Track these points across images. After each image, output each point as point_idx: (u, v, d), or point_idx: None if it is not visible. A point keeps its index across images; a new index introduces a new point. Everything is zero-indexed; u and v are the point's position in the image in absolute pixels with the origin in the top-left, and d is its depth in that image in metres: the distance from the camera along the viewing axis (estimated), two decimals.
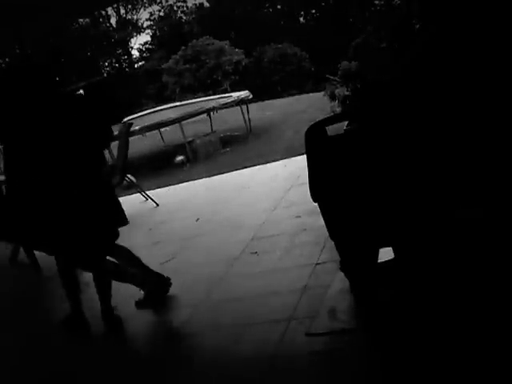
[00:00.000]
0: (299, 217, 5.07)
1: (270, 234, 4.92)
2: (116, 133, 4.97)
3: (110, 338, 3.85)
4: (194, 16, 30.92)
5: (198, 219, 5.28)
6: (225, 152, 10.72)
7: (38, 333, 4.34)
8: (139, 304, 4.03)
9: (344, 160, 3.09)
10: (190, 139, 10.93)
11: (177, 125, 10.85)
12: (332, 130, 3.13)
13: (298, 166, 6.56)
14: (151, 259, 4.93)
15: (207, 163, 9.81)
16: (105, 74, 29.23)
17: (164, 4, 31.60)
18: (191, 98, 15.79)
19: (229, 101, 11.60)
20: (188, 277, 4.28)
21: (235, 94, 12.15)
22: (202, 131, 12.11)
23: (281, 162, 7.94)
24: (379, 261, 3.33)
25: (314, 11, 29.31)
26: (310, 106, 13.21)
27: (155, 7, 31.65)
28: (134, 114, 13.70)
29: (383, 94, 3.23)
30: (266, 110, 14.74)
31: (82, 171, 3.56)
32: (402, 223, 3.05)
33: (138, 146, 11.90)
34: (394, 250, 3.25)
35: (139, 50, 32.13)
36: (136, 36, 32.09)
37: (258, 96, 15.80)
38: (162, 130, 11.45)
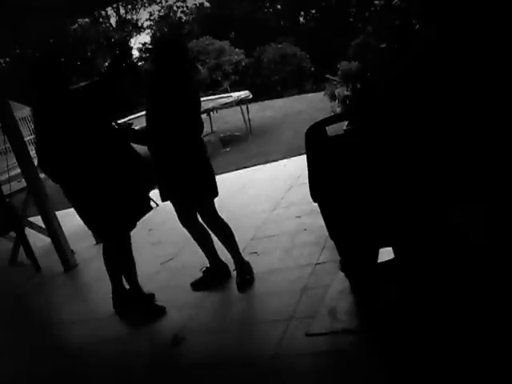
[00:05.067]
0: (299, 217, 5.06)
1: (270, 234, 4.92)
2: None
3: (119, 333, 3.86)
4: (193, 16, 30.91)
5: None
6: (225, 152, 10.71)
7: (38, 333, 4.34)
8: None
9: (344, 160, 3.09)
10: None
11: None
12: (332, 130, 3.13)
13: (298, 166, 6.57)
14: (151, 259, 4.94)
15: None
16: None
17: (164, 4, 31.61)
18: None
19: (229, 101, 11.60)
20: (188, 277, 4.28)
21: (235, 94, 12.15)
22: None
23: (281, 161, 7.94)
24: (379, 261, 3.33)
25: (313, 11, 29.30)
26: (310, 106, 13.21)
27: (155, 7, 31.68)
28: (133, 113, 13.63)
29: (383, 94, 3.23)
30: (266, 110, 14.73)
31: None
32: (401, 223, 3.05)
33: (138, 146, 11.86)
34: (393, 250, 3.25)
35: (139, 50, 32.15)
36: (136, 36, 32.11)
37: (258, 96, 15.80)
38: None
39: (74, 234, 6.29)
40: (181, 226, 4.09)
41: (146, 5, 31.33)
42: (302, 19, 30.10)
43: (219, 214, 4.04)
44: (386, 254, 3.28)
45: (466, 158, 2.78)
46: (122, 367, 3.47)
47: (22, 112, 16.42)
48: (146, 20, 32.06)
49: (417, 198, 2.93)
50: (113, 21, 31.34)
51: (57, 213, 5.73)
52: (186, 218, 4.06)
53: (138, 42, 30.96)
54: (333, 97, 10.16)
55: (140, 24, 32.01)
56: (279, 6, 30.18)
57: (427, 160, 2.86)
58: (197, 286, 4.15)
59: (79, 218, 3.94)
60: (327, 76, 11.29)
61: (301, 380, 2.84)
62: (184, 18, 31.58)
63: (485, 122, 2.75)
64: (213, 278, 4.17)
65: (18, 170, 5.76)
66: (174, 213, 4.04)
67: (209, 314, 3.77)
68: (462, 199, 2.85)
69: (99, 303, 4.57)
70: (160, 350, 3.58)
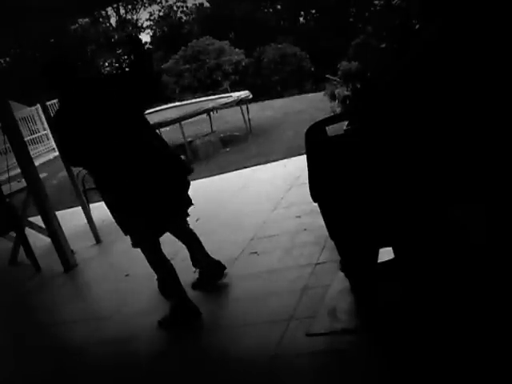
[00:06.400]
0: (299, 217, 5.06)
1: (270, 234, 4.92)
2: None
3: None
4: (194, 16, 30.90)
5: (197, 219, 5.26)
6: (225, 152, 10.71)
7: (38, 332, 4.34)
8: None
9: (344, 160, 3.09)
10: (190, 139, 10.92)
11: (177, 125, 10.84)
12: (332, 130, 3.13)
13: (297, 166, 6.57)
14: None
15: (207, 163, 9.81)
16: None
17: (164, 4, 31.58)
18: (191, 98, 15.76)
19: (229, 101, 11.58)
20: (187, 277, 4.28)
21: (235, 94, 12.13)
22: (202, 131, 12.10)
23: (281, 161, 7.94)
24: (379, 261, 3.33)
25: (313, 11, 29.28)
26: (310, 106, 13.19)
27: (155, 7, 31.63)
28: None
29: (383, 94, 3.23)
30: (266, 110, 14.72)
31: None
32: (401, 223, 3.05)
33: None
34: (393, 250, 3.25)
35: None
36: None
37: (258, 96, 15.78)
38: (162, 129, 11.41)
39: (74, 234, 6.30)
40: None
41: (146, 5, 31.30)
42: (302, 19, 30.09)
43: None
44: (385, 254, 3.28)
45: (466, 157, 2.78)
46: (122, 367, 3.47)
47: (22, 112, 16.45)
48: (146, 20, 32.04)
49: (417, 198, 2.93)
50: (113, 21, 31.34)
51: (57, 213, 5.74)
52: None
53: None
54: (333, 97, 10.15)
55: (140, 24, 32.00)
56: (279, 6, 30.15)
57: (427, 160, 2.86)
58: (195, 287, 4.13)
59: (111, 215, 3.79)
60: (327, 76, 11.27)
61: (301, 380, 2.84)
62: (184, 18, 31.57)
63: (485, 122, 2.75)
64: (208, 278, 4.15)
65: (18, 170, 5.76)
66: None
67: (208, 314, 3.77)
68: (462, 198, 2.85)
69: (99, 303, 4.58)
70: (160, 350, 3.58)
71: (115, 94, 3.61)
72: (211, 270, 4.15)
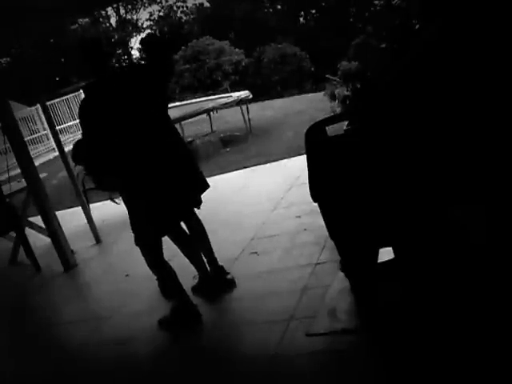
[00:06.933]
0: (299, 217, 5.07)
1: (270, 234, 4.92)
2: None
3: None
4: (194, 16, 30.90)
5: None
6: (225, 152, 10.71)
7: (38, 333, 4.34)
8: (195, 289, 4.04)
9: (344, 160, 3.09)
10: (190, 139, 10.92)
11: (177, 125, 10.83)
12: (332, 130, 3.13)
13: (297, 166, 6.56)
14: None
15: (207, 163, 9.80)
16: None
17: (164, 4, 31.59)
18: (191, 98, 15.75)
19: (229, 101, 11.57)
20: (186, 279, 4.27)
21: (235, 94, 12.12)
22: (202, 131, 12.10)
23: (281, 161, 7.94)
24: (379, 261, 3.33)
25: (314, 11, 29.29)
26: (310, 106, 13.19)
27: (155, 7, 31.64)
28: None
29: (383, 94, 3.23)
30: (266, 110, 14.71)
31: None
32: (401, 223, 3.05)
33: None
34: (393, 250, 3.25)
35: (139, 50, 32.14)
36: (136, 36, 32.08)
37: (258, 96, 15.77)
38: None
39: (74, 234, 6.30)
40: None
41: (146, 5, 31.30)
42: (302, 19, 30.09)
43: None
44: (385, 254, 3.29)
45: (467, 157, 2.78)
46: (122, 367, 3.47)
47: (22, 112, 16.45)
48: (146, 20, 32.05)
49: (417, 198, 2.93)
50: (113, 21, 31.35)
51: (57, 213, 5.74)
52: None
53: (138, 42, 30.87)
54: (333, 97, 10.15)
55: (140, 24, 32.00)
56: (279, 6, 30.16)
57: (427, 160, 2.86)
58: (195, 290, 4.06)
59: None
60: (327, 76, 11.27)
61: (301, 380, 2.84)
62: (184, 17, 31.57)
63: (485, 122, 2.75)
64: (208, 284, 4.07)
65: (18, 170, 5.77)
66: None
67: (208, 314, 3.77)
68: (462, 199, 2.85)
69: (99, 303, 4.58)
70: (160, 350, 3.58)
71: (146, 87, 3.64)
72: (213, 274, 4.08)
